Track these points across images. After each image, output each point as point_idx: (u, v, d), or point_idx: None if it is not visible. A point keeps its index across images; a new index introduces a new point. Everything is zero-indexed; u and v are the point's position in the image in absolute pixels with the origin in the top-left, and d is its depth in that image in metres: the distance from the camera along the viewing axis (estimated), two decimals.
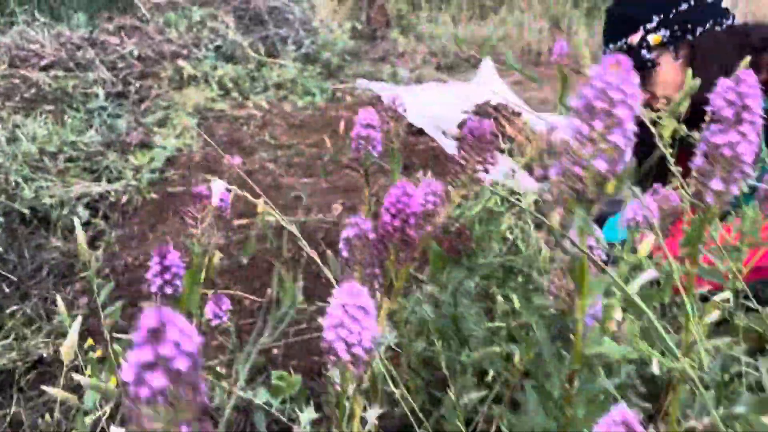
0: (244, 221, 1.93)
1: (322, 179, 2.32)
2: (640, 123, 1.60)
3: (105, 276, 1.78)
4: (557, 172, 0.47)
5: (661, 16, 1.35)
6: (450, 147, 2.58)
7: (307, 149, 2.56)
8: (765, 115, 0.96)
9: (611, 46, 1.41)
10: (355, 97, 3.28)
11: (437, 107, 3.13)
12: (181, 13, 3.54)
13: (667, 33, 1.35)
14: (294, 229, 0.82)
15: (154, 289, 0.73)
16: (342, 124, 2.58)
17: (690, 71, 1.34)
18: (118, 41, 3.16)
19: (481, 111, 2.84)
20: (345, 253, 0.69)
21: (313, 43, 3.53)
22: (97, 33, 3.26)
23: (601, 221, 2.16)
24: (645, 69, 1.36)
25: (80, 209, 2.03)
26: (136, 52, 3.13)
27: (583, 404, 0.54)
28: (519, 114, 2.88)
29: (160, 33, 3.36)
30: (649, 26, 1.35)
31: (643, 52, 1.36)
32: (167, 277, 0.72)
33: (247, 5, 3.44)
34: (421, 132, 2.78)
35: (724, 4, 1.41)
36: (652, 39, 1.35)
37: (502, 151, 2.70)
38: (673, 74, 1.37)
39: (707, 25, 1.34)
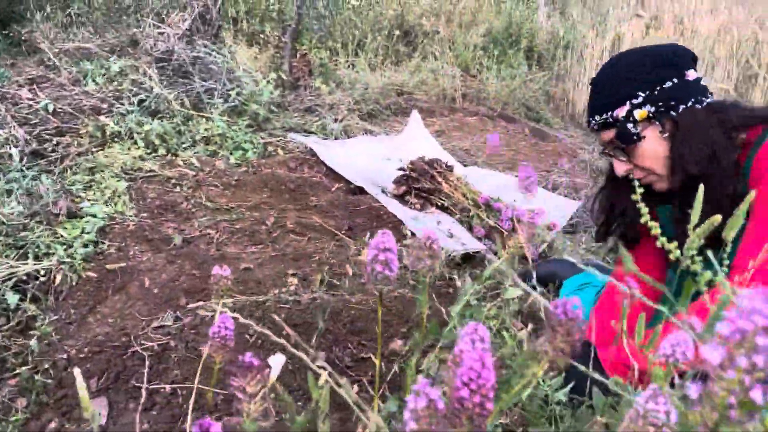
0: (195, 304, 1.84)
1: (269, 247, 2.26)
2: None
3: (45, 372, 1.64)
4: (697, 390, 0.48)
5: (647, 92, 1.42)
6: (393, 206, 2.60)
7: (248, 213, 2.50)
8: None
9: (597, 117, 1.48)
10: (287, 151, 3.24)
11: (371, 162, 3.16)
12: (97, 63, 3.36)
13: (653, 109, 1.42)
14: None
15: None
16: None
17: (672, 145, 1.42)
18: (31, 95, 2.96)
19: (416, 167, 2.89)
20: (413, 425, 0.66)
21: (239, 95, 3.46)
22: (5, 84, 3.04)
23: (545, 280, 2.24)
24: (631, 142, 1.44)
25: (8, 293, 1.86)
26: (51, 107, 2.94)
27: None
28: (451, 168, 2.96)
29: (75, 84, 3.17)
30: (635, 101, 1.42)
31: (629, 125, 1.43)
32: None
33: (170, 56, 3.33)
34: (361, 191, 2.79)
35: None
36: (638, 114, 1.42)
37: (442, 208, 2.74)
38: (657, 147, 1.44)
39: (689, 102, 1.42)
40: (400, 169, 2.90)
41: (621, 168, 1.51)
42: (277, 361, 0.82)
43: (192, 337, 1.72)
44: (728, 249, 0.80)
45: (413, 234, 2.39)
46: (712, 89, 1.62)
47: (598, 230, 1.78)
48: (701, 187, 0.89)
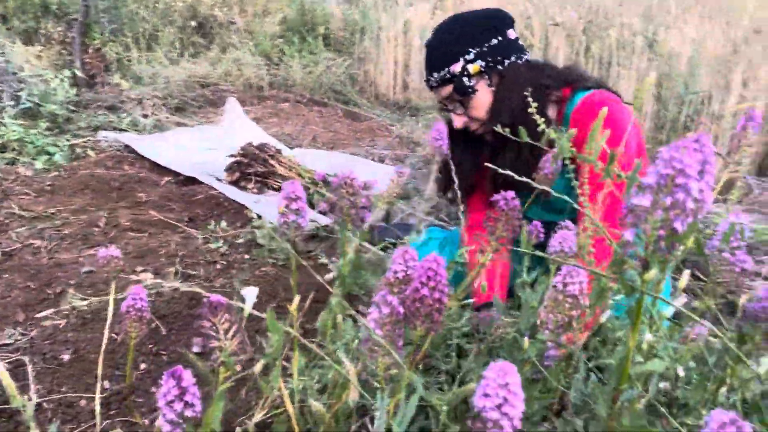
0: (47, 312, 1.67)
1: (108, 247, 2.10)
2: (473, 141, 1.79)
3: None
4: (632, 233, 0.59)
5: (477, 49, 1.58)
6: (231, 192, 2.56)
7: (74, 217, 2.29)
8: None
9: (435, 75, 1.61)
10: (98, 150, 3.01)
11: (197, 153, 3.06)
12: None
13: (483, 63, 1.58)
14: None
15: (170, 416, 0.66)
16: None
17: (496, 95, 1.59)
18: None
19: (247, 152, 2.86)
20: (379, 332, 0.71)
21: (30, 96, 3.13)
22: None
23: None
24: (467, 94, 1.59)
25: None
26: None
27: (627, 417, 0.67)
28: (279, 151, 2.98)
29: None
30: (468, 57, 1.57)
31: (464, 79, 1.57)
32: (188, 399, 0.66)
33: None
34: (193, 181, 2.69)
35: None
36: (471, 68, 1.57)
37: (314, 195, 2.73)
38: (487, 98, 1.60)
39: (512, 58, 1.60)
40: (231, 156, 2.85)
41: (459, 121, 1.65)
42: (250, 293, 0.81)
43: (48, 348, 1.56)
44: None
45: (259, 216, 2.38)
46: None
47: (439, 183, 1.94)
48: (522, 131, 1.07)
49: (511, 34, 1.64)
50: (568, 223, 0.99)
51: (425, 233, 2.38)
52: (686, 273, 0.72)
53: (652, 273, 0.58)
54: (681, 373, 0.71)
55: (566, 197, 0.92)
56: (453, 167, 1.87)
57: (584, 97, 1.61)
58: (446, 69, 1.59)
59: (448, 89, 1.61)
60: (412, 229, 2.41)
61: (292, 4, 6.18)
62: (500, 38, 1.61)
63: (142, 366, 1.57)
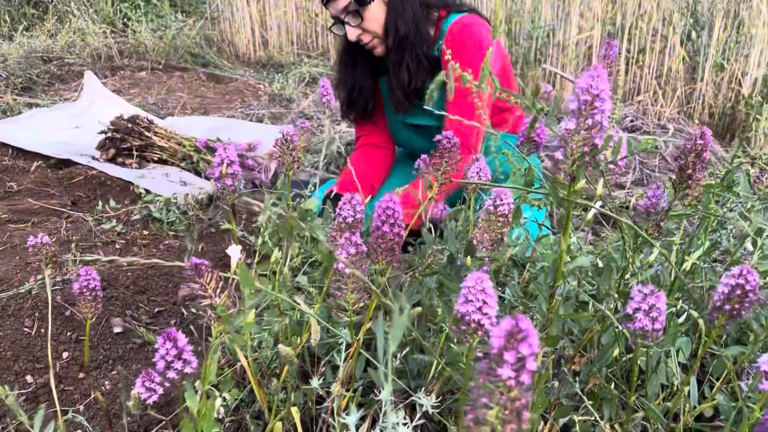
0: None
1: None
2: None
3: None
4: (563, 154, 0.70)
5: None
6: (113, 170, 2.46)
7: None
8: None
9: None
10: None
11: (62, 133, 2.88)
12: None
13: None
14: None
15: (171, 375, 0.70)
16: None
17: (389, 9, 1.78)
18: None
19: (119, 127, 2.73)
20: (342, 266, 0.79)
21: None
22: None
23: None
24: (364, 4, 1.76)
25: None
26: None
27: (564, 307, 0.81)
28: (152, 122, 2.88)
29: None
30: None
31: None
32: (186, 357, 0.71)
33: None
34: (67, 163, 2.54)
35: None
36: None
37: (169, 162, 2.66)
38: (380, 12, 1.80)
39: None
40: (102, 132, 2.72)
41: (353, 33, 1.83)
42: (234, 251, 0.85)
43: None
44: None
45: (148, 191, 2.32)
46: None
47: (341, 108, 2.08)
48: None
49: None
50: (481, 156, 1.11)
51: (325, 185, 2.47)
52: (601, 181, 0.86)
53: (580, 184, 0.70)
54: (600, 264, 0.86)
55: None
56: (353, 93, 2.04)
57: (458, 17, 1.85)
58: None
59: (346, 0, 1.77)
60: (305, 184, 2.47)
61: None
62: None
63: (65, 354, 1.53)
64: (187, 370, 0.72)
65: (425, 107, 1.02)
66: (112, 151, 2.67)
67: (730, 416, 0.88)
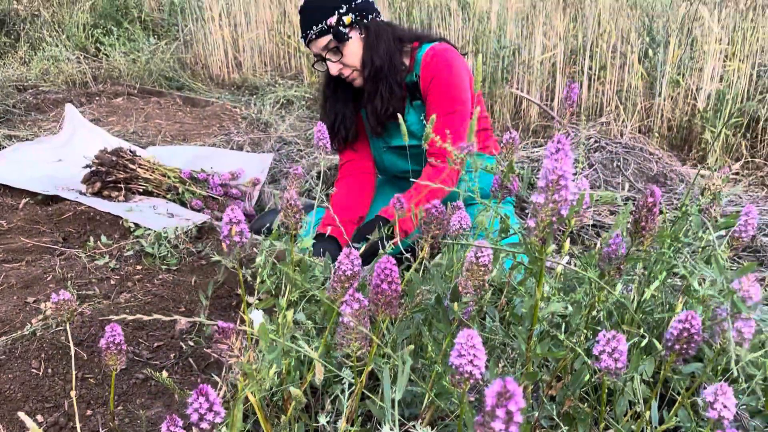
0: None
1: None
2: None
3: None
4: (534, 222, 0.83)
5: (347, 5, 1.93)
6: (102, 204, 2.53)
7: None
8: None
9: (314, 28, 1.92)
10: None
11: (46, 168, 2.93)
12: None
13: (354, 16, 1.95)
14: None
15: (204, 426, 0.81)
16: None
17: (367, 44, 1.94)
18: None
19: (103, 160, 2.81)
20: (347, 320, 0.91)
21: None
22: None
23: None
24: (343, 40, 1.93)
25: None
26: None
27: (540, 345, 0.94)
28: (135, 153, 2.95)
29: None
30: (341, 11, 1.92)
31: (341, 28, 1.92)
32: (216, 410, 0.81)
33: None
34: (55, 199, 2.61)
35: None
36: (346, 19, 1.93)
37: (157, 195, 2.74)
38: (358, 46, 1.97)
39: (373, 14, 1.99)
40: (87, 166, 2.79)
41: (334, 68, 2.00)
42: (257, 315, 0.94)
43: None
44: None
45: (137, 225, 2.40)
46: None
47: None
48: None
49: None
50: (459, 203, 1.23)
51: (309, 215, 2.58)
52: (567, 239, 0.98)
53: (550, 248, 0.83)
54: (570, 308, 0.99)
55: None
56: (336, 123, 2.20)
57: (430, 46, 2.04)
58: (324, 22, 1.92)
59: (326, 39, 1.94)
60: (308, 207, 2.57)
61: None
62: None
63: (72, 394, 1.61)
64: (217, 420, 0.83)
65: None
66: (98, 185, 2.74)
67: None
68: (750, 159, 3.49)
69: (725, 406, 0.79)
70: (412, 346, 1.07)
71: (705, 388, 1.15)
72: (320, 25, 1.91)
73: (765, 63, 3.77)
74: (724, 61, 3.72)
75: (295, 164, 3.09)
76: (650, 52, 3.87)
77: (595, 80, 4.03)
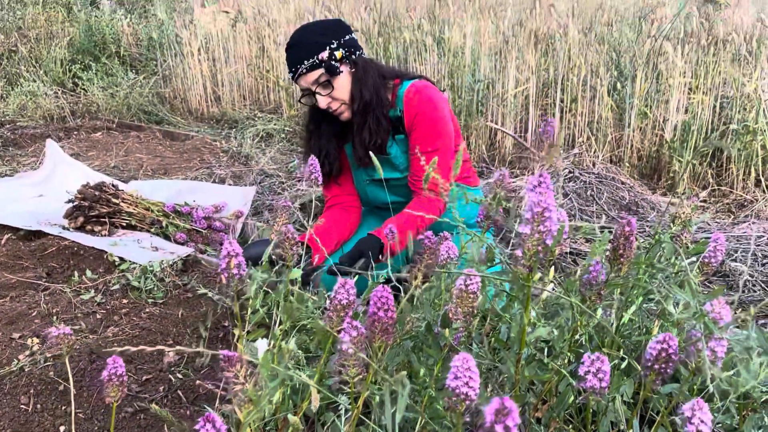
0: None
1: None
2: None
3: None
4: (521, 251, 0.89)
5: (337, 41, 2.00)
6: (85, 239, 2.54)
7: None
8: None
9: (306, 62, 1.98)
10: None
11: (27, 203, 2.94)
12: None
13: (344, 51, 2.02)
14: None
15: None
16: None
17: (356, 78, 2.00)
18: None
19: (86, 195, 2.82)
20: (351, 349, 0.95)
21: None
22: None
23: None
24: (335, 74, 1.99)
25: None
26: None
27: (528, 368, 0.99)
28: (118, 187, 2.97)
29: None
30: (332, 47, 1.99)
31: (333, 62, 1.98)
32: None
33: None
34: (37, 234, 2.61)
35: None
36: (337, 54, 2.00)
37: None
38: (347, 81, 2.04)
39: (359, 52, 2.07)
40: (69, 201, 2.80)
41: (323, 102, 2.05)
42: (261, 344, 0.98)
43: None
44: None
45: (122, 259, 2.41)
46: None
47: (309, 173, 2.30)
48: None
49: (354, 35, 2.09)
50: (447, 234, 1.29)
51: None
52: (552, 268, 1.04)
53: (537, 276, 0.89)
54: (555, 332, 1.04)
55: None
56: (319, 158, 2.26)
57: (411, 83, 2.12)
58: (315, 56, 1.98)
59: (317, 73, 1.99)
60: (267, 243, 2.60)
61: (78, 24, 5.86)
62: (349, 36, 2.05)
63: (62, 429, 1.61)
64: None
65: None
66: (80, 219, 2.74)
67: None
68: (716, 187, 3.63)
69: (702, 421, 0.85)
70: (404, 372, 1.11)
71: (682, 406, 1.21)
72: (312, 60, 1.97)
73: (727, 95, 3.95)
74: (689, 93, 3.89)
75: (277, 196, 3.14)
76: (618, 85, 4.02)
77: (566, 112, 4.17)
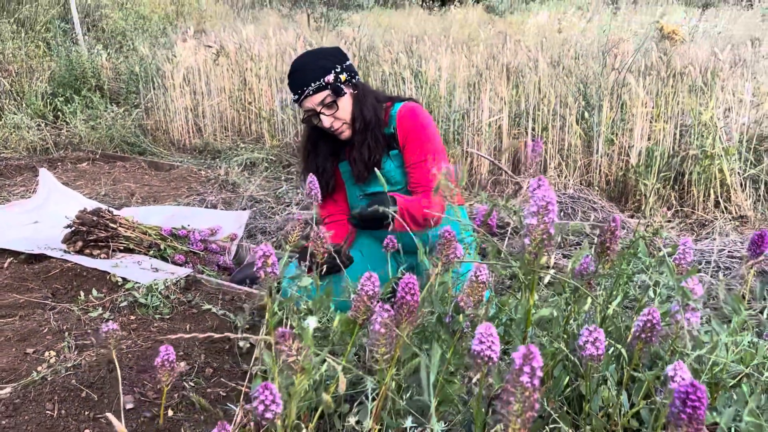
0: None
1: None
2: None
3: None
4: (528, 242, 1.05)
5: (340, 66, 2.20)
6: (89, 261, 2.63)
7: None
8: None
9: (312, 84, 2.15)
10: None
11: (25, 229, 3.01)
12: None
13: (348, 75, 2.21)
14: None
15: (268, 416, 0.97)
16: None
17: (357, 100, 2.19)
18: None
19: (84, 220, 2.91)
20: (383, 330, 1.09)
21: None
22: None
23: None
24: (340, 95, 2.18)
25: None
26: None
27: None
28: (113, 212, 3.07)
29: None
30: (337, 70, 2.18)
31: (339, 84, 2.17)
32: (278, 401, 0.98)
33: None
34: (39, 258, 2.69)
35: None
36: (342, 77, 2.19)
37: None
38: (349, 103, 2.23)
39: (358, 77, 2.26)
40: (68, 226, 2.88)
41: (327, 121, 2.23)
42: (312, 320, 1.10)
43: None
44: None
45: (125, 280, 2.51)
46: None
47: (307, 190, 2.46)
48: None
49: (351, 61, 2.29)
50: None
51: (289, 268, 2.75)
52: (552, 255, 1.21)
53: (543, 260, 1.05)
54: (555, 313, 1.21)
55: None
56: (317, 176, 2.43)
57: (402, 104, 2.34)
58: (321, 79, 2.16)
59: (323, 94, 2.17)
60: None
61: (59, 59, 5.96)
62: (349, 62, 2.26)
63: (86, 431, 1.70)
64: (278, 410, 0.99)
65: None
66: (79, 244, 2.83)
67: (650, 421, 1.23)
68: (679, 208, 3.88)
69: (683, 378, 1.01)
70: (418, 359, 1.26)
71: (660, 389, 1.37)
72: (318, 82, 2.15)
73: (686, 123, 4.24)
74: (651, 122, 4.17)
75: (268, 221, 3.26)
76: (586, 114, 4.28)
77: (538, 140, 4.41)
